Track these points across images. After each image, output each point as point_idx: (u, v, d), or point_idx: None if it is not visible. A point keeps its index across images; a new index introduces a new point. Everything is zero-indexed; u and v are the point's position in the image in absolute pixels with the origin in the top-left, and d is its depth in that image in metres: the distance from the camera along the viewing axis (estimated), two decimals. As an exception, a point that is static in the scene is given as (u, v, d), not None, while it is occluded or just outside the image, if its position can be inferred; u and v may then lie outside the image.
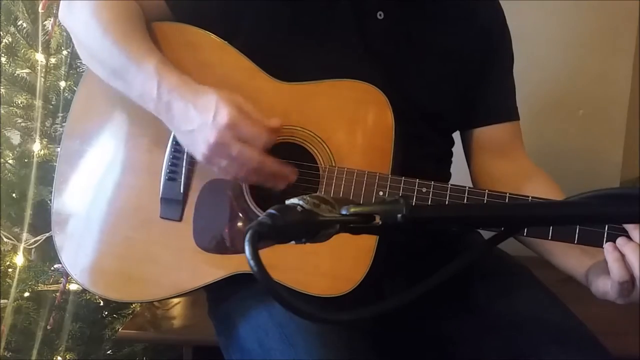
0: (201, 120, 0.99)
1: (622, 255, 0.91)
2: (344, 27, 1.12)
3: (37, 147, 1.65)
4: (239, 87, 1.10)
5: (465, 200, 1.01)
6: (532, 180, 1.19)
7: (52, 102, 1.69)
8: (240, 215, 1.09)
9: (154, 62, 1.04)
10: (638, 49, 1.93)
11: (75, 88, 1.57)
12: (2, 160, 1.69)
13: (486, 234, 1.21)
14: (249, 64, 1.11)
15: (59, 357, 1.65)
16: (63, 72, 1.68)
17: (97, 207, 1.15)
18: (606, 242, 0.93)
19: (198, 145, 1.00)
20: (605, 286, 0.95)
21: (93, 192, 1.16)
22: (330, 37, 1.12)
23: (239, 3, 1.12)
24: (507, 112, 1.23)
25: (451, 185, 1.02)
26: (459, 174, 1.24)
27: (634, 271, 0.89)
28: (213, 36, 1.12)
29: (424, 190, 1.02)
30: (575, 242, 0.96)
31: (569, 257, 1.05)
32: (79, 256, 1.15)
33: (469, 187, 1.01)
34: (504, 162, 1.22)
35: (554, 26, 1.92)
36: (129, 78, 1.05)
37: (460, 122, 1.24)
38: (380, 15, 1.13)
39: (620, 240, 0.92)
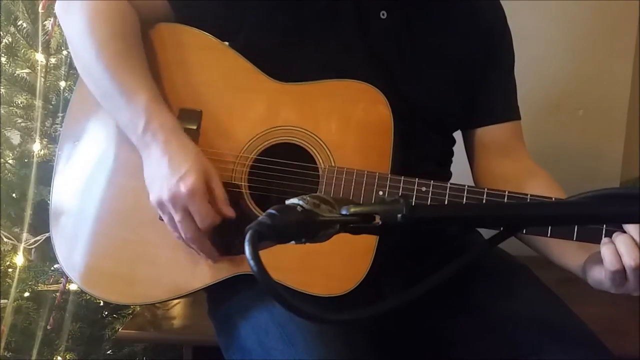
0: (168, 174, 1.02)
1: (615, 245, 0.92)
2: (346, 26, 1.12)
3: (37, 147, 1.65)
4: (237, 88, 1.11)
5: (464, 199, 1.01)
6: (534, 179, 1.19)
7: (52, 102, 1.69)
8: (240, 215, 1.09)
9: (144, 98, 1.05)
10: (638, 49, 1.93)
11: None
12: (2, 160, 1.68)
13: (486, 234, 1.22)
14: (247, 65, 1.11)
15: (59, 357, 1.65)
16: (63, 72, 1.67)
17: (95, 208, 1.14)
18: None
19: (153, 192, 1.04)
20: (600, 274, 0.95)
21: (91, 193, 1.15)
22: (332, 37, 1.12)
23: (241, 3, 1.12)
24: (508, 111, 1.23)
25: (450, 184, 1.02)
26: (460, 173, 1.24)
27: (623, 260, 0.90)
28: (211, 37, 1.12)
29: (424, 189, 1.02)
30: (574, 239, 0.96)
31: (567, 252, 1.06)
32: (77, 258, 1.14)
33: (468, 186, 1.02)
34: (505, 162, 1.22)
35: (554, 26, 1.92)
36: (118, 106, 1.07)
37: (462, 122, 1.24)
38: (383, 14, 1.13)
39: (615, 232, 0.93)
